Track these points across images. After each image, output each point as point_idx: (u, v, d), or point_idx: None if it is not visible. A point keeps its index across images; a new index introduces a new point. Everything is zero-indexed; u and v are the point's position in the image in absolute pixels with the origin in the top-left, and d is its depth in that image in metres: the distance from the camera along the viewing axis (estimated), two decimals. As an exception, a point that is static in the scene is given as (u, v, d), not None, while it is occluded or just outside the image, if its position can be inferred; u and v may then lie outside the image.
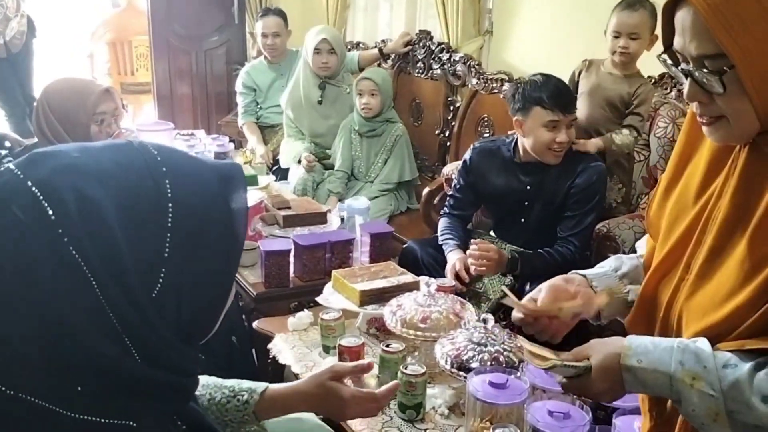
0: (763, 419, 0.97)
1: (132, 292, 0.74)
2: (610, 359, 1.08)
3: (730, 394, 0.99)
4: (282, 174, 4.01)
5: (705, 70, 0.99)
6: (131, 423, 0.77)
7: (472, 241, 2.50)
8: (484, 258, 2.42)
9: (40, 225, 0.72)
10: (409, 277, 2.13)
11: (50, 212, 0.72)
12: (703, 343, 1.03)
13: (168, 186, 0.79)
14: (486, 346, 1.68)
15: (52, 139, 2.46)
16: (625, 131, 2.61)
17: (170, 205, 0.78)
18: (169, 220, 0.78)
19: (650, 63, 2.42)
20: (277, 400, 1.30)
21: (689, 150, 1.17)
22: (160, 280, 0.77)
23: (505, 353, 1.66)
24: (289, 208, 2.67)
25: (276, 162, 4.14)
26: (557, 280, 1.29)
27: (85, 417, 0.75)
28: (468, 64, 3.68)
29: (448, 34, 3.83)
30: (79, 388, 0.74)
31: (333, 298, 2.09)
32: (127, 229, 0.75)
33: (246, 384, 1.30)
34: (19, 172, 0.74)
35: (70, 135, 2.45)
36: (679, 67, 1.04)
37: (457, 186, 2.75)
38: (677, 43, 1.02)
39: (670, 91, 2.76)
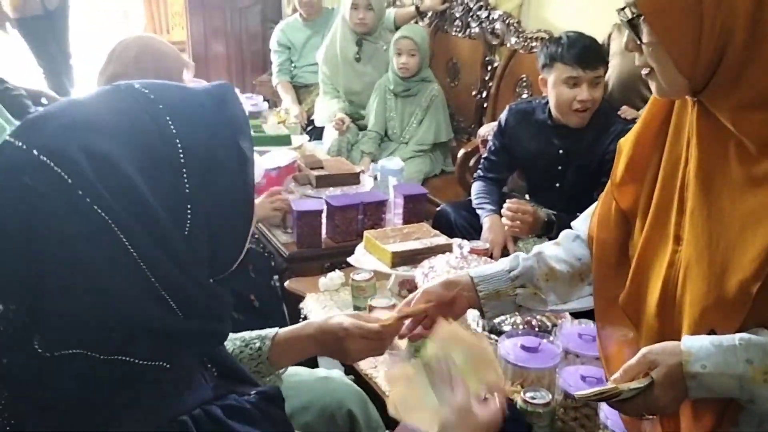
0: None
1: (165, 236, 0.75)
2: (673, 369, 1.02)
3: None
4: (317, 134, 3.98)
5: (631, 19, 1.04)
6: (164, 363, 0.78)
7: (507, 200, 2.45)
8: (518, 220, 2.38)
9: (59, 192, 0.70)
10: (441, 239, 2.11)
11: (65, 176, 0.70)
12: (762, 332, 1.00)
13: (170, 123, 0.79)
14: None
15: None
16: None
17: (177, 141, 0.78)
18: (181, 156, 0.78)
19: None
20: (289, 344, 1.27)
21: (656, 121, 1.19)
22: (188, 216, 0.77)
23: (537, 317, 1.64)
24: (322, 168, 2.66)
25: (310, 122, 4.12)
26: (436, 285, 1.32)
27: (117, 357, 0.75)
28: (507, 22, 3.58)
29: (487, -10, 3.73)
30: (113, 334, 0.74)
31: (364, 258, 2.07)
32: (144, 175, 0.74)
33: (255, 332, 1.28)
34: (20, 143, 0.72)
35: None
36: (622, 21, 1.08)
37: (492, 148, 2.69)
38: None
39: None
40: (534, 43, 3.39)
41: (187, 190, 0.77)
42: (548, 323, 1.62)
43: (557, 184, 2.54)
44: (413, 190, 2.59)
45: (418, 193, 2.58)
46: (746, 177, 1.00)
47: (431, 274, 1.83)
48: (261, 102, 3.75)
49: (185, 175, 0.77)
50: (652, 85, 1.10)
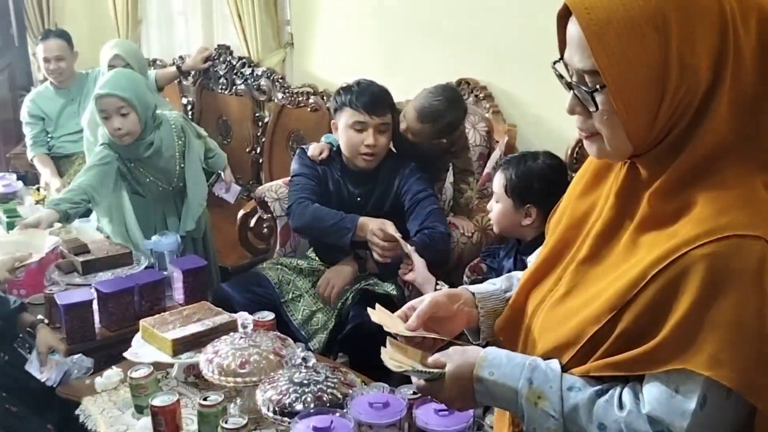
0: None
1: None
2: (464, 368, 1.08)
3: (570, 417, 1.00)
4: (84, 207, 3.68)
5: (583, 86, 0.98)
6: None
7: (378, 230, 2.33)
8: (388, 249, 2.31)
9: None
10: (225, 317, 2.01)
11: None
12: (555, 364, 1.04)
13: None
14: (309, 385, 1.60)
15: None
16: (464, 187, 2.59)
17: None
18: None
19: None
20: None
21: (588, 174, 1.17)
22: None
23: (328, 390, 1.60)
24: (88, 252, 2.45)
25: (76, 195, 3.80)
26: (442, 296, 1.26)
27: None
28: (271, 78, 3.59)
29: (248, 47, 3.73)
30: None
31: (143, 350, 1.93)
32: None
33: None
34: None
35: None
36: (564, 80, 1.03)
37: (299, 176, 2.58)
38: (566, 54, 1.01)
39: (468, 97, 2.84)
40: (300, 98, 3.42)
41: None
42: (339, 395, 1.60)
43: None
44: (192, 264, 2.47)
45: (198, 266, 2.46)
46: (638, 239, 1.00)
47: (216, 360, 1.74)
48: (15, 181, 3.40)
49: None
50: (592, 148, 1.05)
